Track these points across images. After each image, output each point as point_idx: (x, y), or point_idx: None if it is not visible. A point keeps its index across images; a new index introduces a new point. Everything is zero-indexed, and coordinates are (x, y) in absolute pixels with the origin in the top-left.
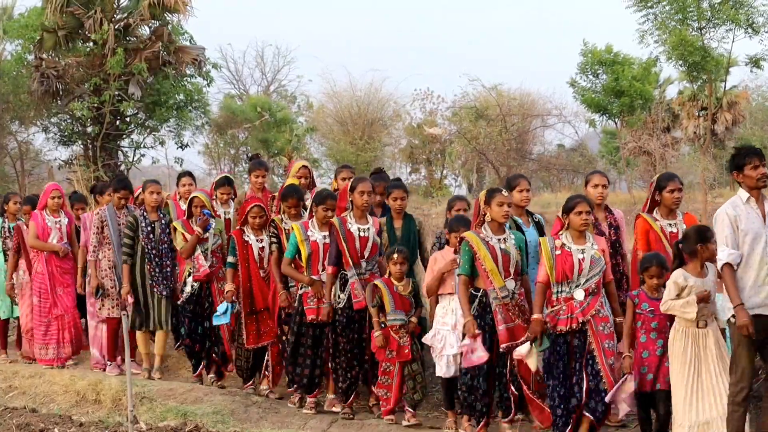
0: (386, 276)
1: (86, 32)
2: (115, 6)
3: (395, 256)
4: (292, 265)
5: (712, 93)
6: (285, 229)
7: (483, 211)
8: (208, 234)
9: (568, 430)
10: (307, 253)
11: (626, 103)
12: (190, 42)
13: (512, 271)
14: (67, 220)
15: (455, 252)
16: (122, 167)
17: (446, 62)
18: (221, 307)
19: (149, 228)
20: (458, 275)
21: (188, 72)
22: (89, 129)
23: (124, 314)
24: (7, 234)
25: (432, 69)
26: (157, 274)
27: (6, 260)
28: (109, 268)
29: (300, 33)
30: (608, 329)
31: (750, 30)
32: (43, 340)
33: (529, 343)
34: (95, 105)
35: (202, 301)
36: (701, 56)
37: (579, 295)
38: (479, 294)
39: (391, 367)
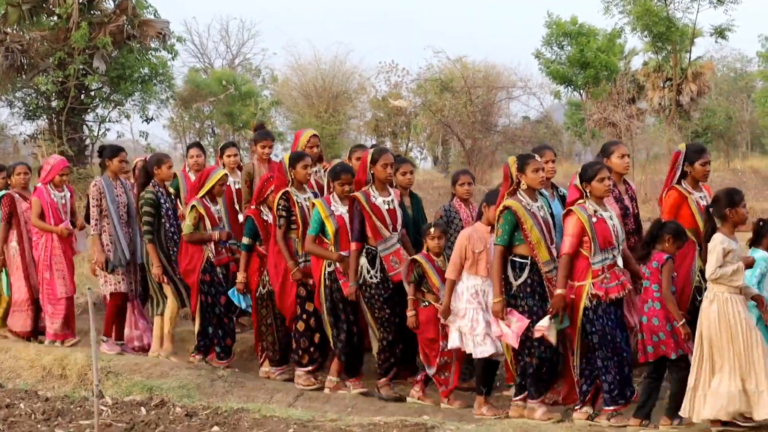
0: (423, 251)
1: (50, 6)
2: None
3: (432, 230)
4: (316, 241)
5: (677, 64)
6: (298, 203)
7: (517, 179)
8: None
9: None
10: (334, 229)
11: (591, 75)
12: (155, 15)
13: (554, 237)
14: (69, 194)
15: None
16: (87, 141)
17: (411, 35)
18: (232, 295)
19: (168, 204)
20: (496, 245)
21: (153, 46)
22: (54, 103)
23: (89, 288)
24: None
25: (397, 42)
26: (175, 254)
27: None
28: (111, 243)
29: (264, 6)
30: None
31: (715, 0)
32: (54, 315)
33: (548, 318)
34: (60, 79)
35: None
36: (666, 26)
37: (621, 261)
38: (528, 261)
39: (450, 360)
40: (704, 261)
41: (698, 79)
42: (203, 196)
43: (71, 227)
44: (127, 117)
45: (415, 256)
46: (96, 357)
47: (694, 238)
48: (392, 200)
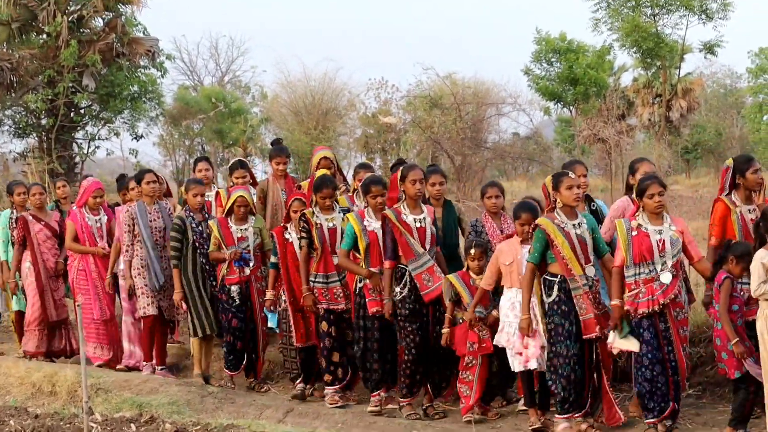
0: (463, 270)
1: (40, 24)
2: None
3: (473, 251)
4: (348, 256)
5: (667, 80)
6: (316, 223)
7: (553, 197)
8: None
9: (663, 415)
10: (365, 244)
11: (581, 91)
12: (144, 33)
13: (590, 257)
14: (106, 217)
15: (523, 240)
16: (77, 159)
17: (401, 52)
18: (269, 317)
19: (200, 228)
20: (527, 261)
21: (142, 63)
22: (43, 121)
23: (78, 305)
24: (14, 225)
25: (386, 58)
26: (212, 275)
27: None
28: (142, 267)
29: (254, 23)
30: (683, 315)
31: (704, 16)
32: (97, 340)
33: (611, 332)
34: (49, 97)
35: (245, 300)
36: (655, 42)
37: (666, 278)
38: (558, 279)
39: (474, 362)
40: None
41: (688, 95)
42: (227, 216)
43: (107, 248)
44: (117, 135)
45: (449, 276)
46: (85, 374)
47: None
48: (424, 218)
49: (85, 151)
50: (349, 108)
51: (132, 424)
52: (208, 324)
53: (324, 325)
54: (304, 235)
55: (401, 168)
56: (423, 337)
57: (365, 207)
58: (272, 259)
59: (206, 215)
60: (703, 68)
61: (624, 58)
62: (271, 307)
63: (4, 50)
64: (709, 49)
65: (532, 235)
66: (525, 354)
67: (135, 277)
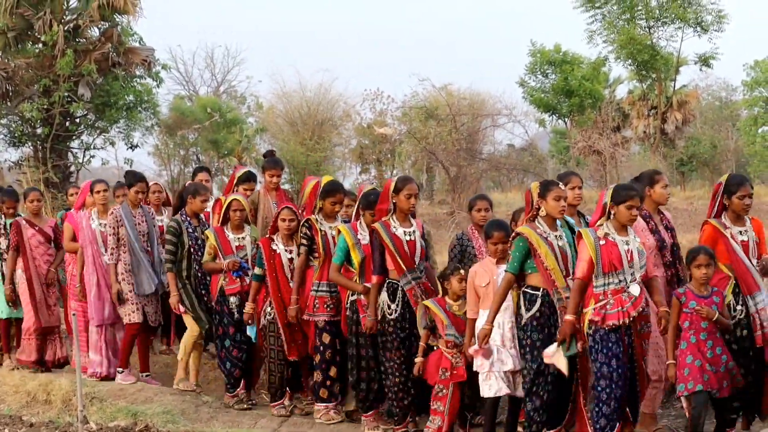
0: (440, 296)
1: (36, 33)
2: (64, 7)
3: (462, 272)
4: (340, 271)
5: (662, 92)
6: (321, 231)
7: (537, 205)
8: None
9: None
10: (360, 258)
11: (576, 103)
12: (140, 43)
13: (570, 269)
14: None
15: (498, 261)
16: (72, 168)
17: (396, 63)
18: (248, 330)
19: (195, 234)
20: (505, 272)
21: (138, 73)
22: (39, 130)
23: (74, 314)
24: (2, 231)
25: (382, 69)
26: (203, 283)
27: (1, 258)
28: (126, 272)
29: (250, 34)
30: (647, 329)
31: (699, 28)
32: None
33: (555, 345)
34: (45, 106)
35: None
36: (650, 55)
37: (635, 289)
38: (540, 293)
39: (445, 390)
40: (736, 294)
41: (683, 108)
42: (223, 225)
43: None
44: (112, 144)
45: (425, 302)
46: (80, 382)
47: (729, 273)
48: (413, 231)
49: (81, 161)
50: (344, 118)
51: None
52: (208, 320)
53: (326, 337)
54: (304, 242)
55: (396, 180)
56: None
57: (357, 220)
58: (256, 270)
59: (202, 222)
60: (698, 80)
61: (619, 70)
62: (249, 321)
63: (0, 59)
64: (705, 61)
65: (506, 255)
66: (476, 363)
67: (122, 282)
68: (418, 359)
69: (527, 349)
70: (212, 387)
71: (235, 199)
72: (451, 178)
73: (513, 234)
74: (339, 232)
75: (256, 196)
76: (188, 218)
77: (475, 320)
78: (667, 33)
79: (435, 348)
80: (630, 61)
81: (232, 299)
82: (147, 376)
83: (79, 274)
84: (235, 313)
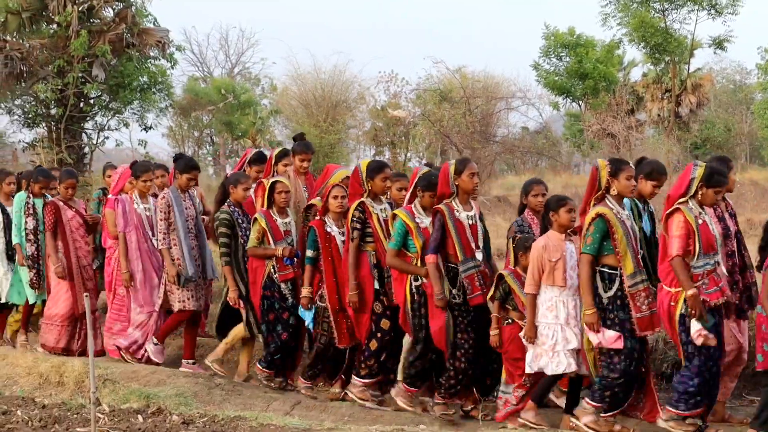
0: (511, 266)
1: (50, 14)
2: None
3: (522, 252)
4: (398, 256)
5: (676, 75)
6: (375, 214)
7: (607, 183)
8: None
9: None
10: (421, 243)
11: (590, 86)
12: (154, 24)
13: (638, 249)
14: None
15: (568, 236)
16: (86, 149)
17: (411, 45)
18: (302, 313)
19: (244, 224)
20: (583, 253)
21: (152, 54)
22: (53, 111)
23: (86, 295)
24: (30, 212)
25: (396, 52)
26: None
27: (27, 239)
28: (180, 257)
29: (264, 15)
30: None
31: (713, 11)
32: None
33: (695, 322)
34: (59, 87)
35: (295, 296)
36: (663, 38)
37: (723, 270)
38: (618, 273)
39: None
40: None
41: (697, 91)
42: (269, 208)
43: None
44: (126, 125)
45: (502, 272)
46: (93, 364)
47: None
48: (474, 215)
49: (95, 142)
50: (358, 101)
51: (139, 416)
52: (256, 323)
53: (384, 323)
54: (358, 225)
55: (455, 162)
56: (479, 342)
57: (410, 202)
58: (308, 253)
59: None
60: (712, 64)
61: (633, 53)
62: (308, 305)
63: (15, 40)
64: (719, 44)
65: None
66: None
67: (179, 266)
68: (495, 332)
69: (617, 328)
70: (224, 368)
71: (278, 181)
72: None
73: (593, 215)
74: (394, 216)
75: (286, 180)
76: (236, 208)
77: (535, 296)
78: (681, 16)
79: (509, 321)
80: (643, 44)
81: (284, 285)
82: (193, 363)
83: (124, 260)
84: (289, 297)
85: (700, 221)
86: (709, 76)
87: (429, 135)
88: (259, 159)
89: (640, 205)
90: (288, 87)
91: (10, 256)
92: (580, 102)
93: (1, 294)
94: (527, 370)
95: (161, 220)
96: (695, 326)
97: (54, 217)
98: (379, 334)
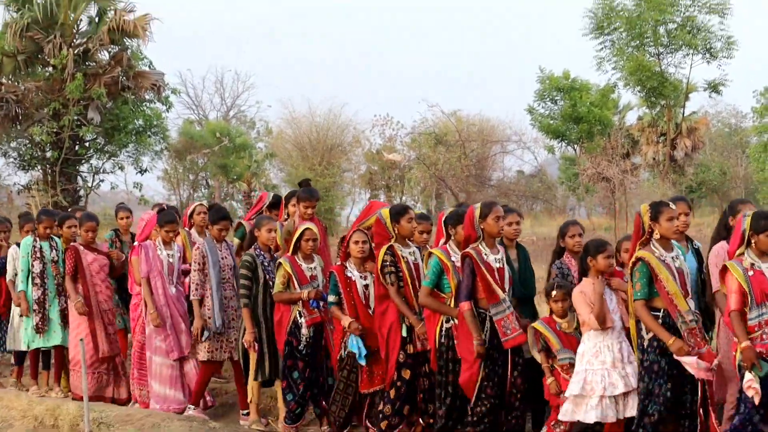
0: (547, 316)
1: (46, 57)
2: (74, 31)
3: (554, 293)
4: (432, 295)
5: (671, 119)
6: (403, 257)
7: (649, 228)
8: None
9: None
10: (456, 282)
11: (585, 129)
12: (150, 67)
13: (689, 290)
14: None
15: (607, 279)
16: (81, 192)
17: (405, 88)
18: (351, 344)
19: (270, 267)
20: (636, 300)
21: (147, 97)
22: (48, 154)
23: (82, 340)
24: (37, 255)
25: (391, 95)
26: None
27: (33, 283)
28: (211, 308)
29: (259, 58)
30: None
31: (708, 55)
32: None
33: (748, 372)
34: (54, 130)
35: (317, 345)
36: (659, 81)
37: None
38: (661, 314)
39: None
40: None
41: (693, 135)
42: (294, 254)
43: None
44: (121, 168)
45: (535, 324)
46: (87, 408)
47: None
48: (502, 258)
49: (90, 185)
50: (353, 144)
51: None
52: (270, 368)
53: (405, 372)
54: (393, 269)
55: (480, 206)
56: (500, 387)
57: (446, 242)
58: (330, 298)
59: (273, 254)
60: (707, 107)
61: (629, 97)
62: (357, 332)
63: (10, 82)
64: (714, 88)
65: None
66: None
67: (208, 318)
68: (550, 379)
69: (646, 371)
70: (219, 412)
71: (308, 228)
72: (455, 205)
73: (634, 260)
74: (430, 254)
75: (291, 225)
76: (262, 252)
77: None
78: (676, 60)
79: (553, 368)
80: (639, 87)
81: (304, 331)
82: (194, 409)
83: (150, 302)
84: (308, 349)
85: (751, 273)
86: (704, 119)
87: (424, 178)
88: (278, 203)
89: (678, 245)
90: (283, 130)
91: None
92: (575, 146)
93: (20, 342)
94: (564, 417)
95: (195, 271)
96: (747, 376)
97: (74, 262)
98: (399, 383)
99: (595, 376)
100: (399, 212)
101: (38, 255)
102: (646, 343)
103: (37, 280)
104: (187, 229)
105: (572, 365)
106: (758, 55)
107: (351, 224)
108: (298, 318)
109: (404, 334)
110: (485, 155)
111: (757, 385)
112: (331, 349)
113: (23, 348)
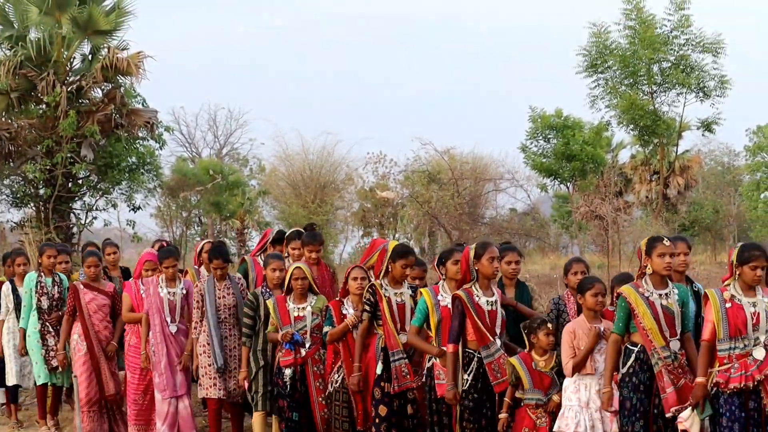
0: (525, 351)
1: (39, 94)
2: (67, 68)
3: (549, 325)
4: (420, 333)
5: (664, 157)
6: (386, 296)
7: (644, 263)
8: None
9: None
10: (437, 320)
11: (578, 168)
12: (143, 105)
13: (676, 330)
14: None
15: (594, 318)
16: (74, 229)
17: (399, 126)
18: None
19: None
20: (611, 332)
21: (141, 134)
22: (41, 191)
23: (75, 376)
24: (45, 291)
25: (384, 132)
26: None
27: (40, 319)
28: (208, 344)
29: (252, 95)
30: None
31: (701, 94)
32: (137, 422)
33: (690, 409)
34: (47, 167)
35: (297, 386)
36: (652, 120)
37: (759, 353)
38: (637, 349)
39: None
40: None
41: (685, 173)
42: (287, 293)
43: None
44: (114, 206)
45: (511, 359)
46: None
47: None
48: (495, 301)
49: (83, 222)
50: (346, 182)
51: None
52: (262, 401)
53: (382, 410)
54: (367, 308)
55: (475, 247)
56: (488, 428)
57: (441, 281)
58: (325, 328)
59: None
60: (700, 146)
61: (622, 135)
62: (355, 320)
63: (3, 120)
64: (707, 126)
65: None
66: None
67: (200, 354)
68: (503, 415)
69: (621, 407)
70: None
71: (297, 267)
72: (453, 242)
73: (615, 294)
74: (418, 294)
75: (305, 266)
76: (269, 290)
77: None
78: (669, 98)
79: (521, 404)
80: (632, 126)
81: (287, 371)
82: None
83: (144, 342)
84: (288, 386)
85: (728, 305)
86: (697, 158)
87: (417, 216)
88: (282, 239)
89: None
90: (276, 168)
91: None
92: (568, 184)
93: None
94: None
95: (195, 309)
96: (686, 414)
97: (74, 301)
98: (377, 420)
99: (570, 413)
100: (399, 253)
101: (45, 291)
102: (619, 377)
103: (45, 316)
104: (195, 267)
105: (540, 405)
106: (751, 94)
107: (344, 262)
108: (281, 358)
109: (378, 371)
110: (478, 193)
111: (689, 425)
112: (311, 389)
113: (41, 382)
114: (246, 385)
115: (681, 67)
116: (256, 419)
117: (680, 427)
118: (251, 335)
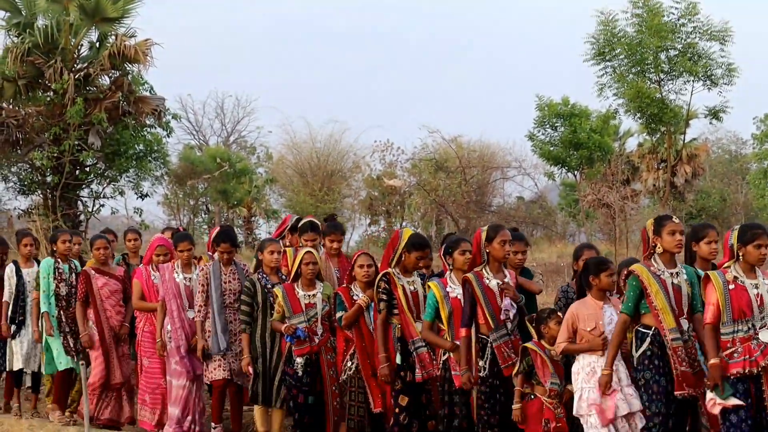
0: (536, 339)
1: (46, 82)
2: (75, 56)
3: (560, 314)
4: (433, 328)
5: (672, 145)
6: (401, 285)
7: (653, 242)
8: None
9: None
10: (447, 313)
11: (585, 156)
12: (150, 92)
13: (684, 309)
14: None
15: (604, 298)
16: (81, 217)
17: (406, 114)
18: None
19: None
20: (620, 312)
21: (148, 122)
22: (49, 179)
23: (82, 364)
24: (63, 277)
25: (392, 121)
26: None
27: (58, 305)
28: (210, 330)
29: (260, 83)
30: None
31: (708, 82)
32: (153, 405)
33: (709, 391)
34: (55, 155)
35: (312, 374)
36: (659, 108)
37: (765, 336)
38: (651, 332)
39: None
40: None
41: (693, 161)
42: (294, 281)
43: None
44: (122, 193)
45: (527, 344)
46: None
47: None
48: (508, 283)
49: (90, 209)
50: (354, 170)
51: None
52: (262, 393)
53: (402, 399)
54: (384, 297)
55: (487, 229)
56: (503, 416)
57: (449, 272)
58: (338, 314)
59: (282, 278)
60: (708, 134)
61: (629, 123)
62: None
63: (11, 107)
64: (714, 114)
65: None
66: (602, 410)
67: (207, 339)
68: (517, 406)
69: (642, 389)
70: None
71: (307, 251)
72: (461, 231)
73: (626, 273)
74: (429, 287)
75: (315, 251)
76: (266, 275)
77: (562, 354)
78: (677, 86)
79: (533, 396)
80: (639, 114)
81: (299, 360)
82: (216, 428)
83: (160, 329)
84: (302, 374)
85: (731, 286)
86: (704, 146)
87: (424, 204)
88: (312, 228)
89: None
90: (284, 156)
91: (20, 322)
92: (576, 172)
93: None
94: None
95: (199, 292)
96: (709, 395)
97: (85, 287)
98: (396, 410)
99: (592, 394)
100: (413, 245)
101: (63, 277)
102: (635, 360)
103: (63, 303)
104: (209, 253)
105: (558, 393)
106: (759, 82)
107: (351, 250)
108: (292, 348)
109: (398, 361)
110: (485, 181)
111: (716, 408)
112: (325, 377)
113: (62, 368)
114: (251, 370)
115: (688, 55)
116: (257, 412)
117: (715, 410)
118: (249, 321)
